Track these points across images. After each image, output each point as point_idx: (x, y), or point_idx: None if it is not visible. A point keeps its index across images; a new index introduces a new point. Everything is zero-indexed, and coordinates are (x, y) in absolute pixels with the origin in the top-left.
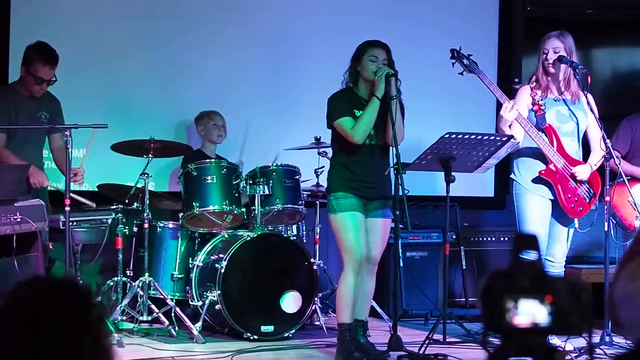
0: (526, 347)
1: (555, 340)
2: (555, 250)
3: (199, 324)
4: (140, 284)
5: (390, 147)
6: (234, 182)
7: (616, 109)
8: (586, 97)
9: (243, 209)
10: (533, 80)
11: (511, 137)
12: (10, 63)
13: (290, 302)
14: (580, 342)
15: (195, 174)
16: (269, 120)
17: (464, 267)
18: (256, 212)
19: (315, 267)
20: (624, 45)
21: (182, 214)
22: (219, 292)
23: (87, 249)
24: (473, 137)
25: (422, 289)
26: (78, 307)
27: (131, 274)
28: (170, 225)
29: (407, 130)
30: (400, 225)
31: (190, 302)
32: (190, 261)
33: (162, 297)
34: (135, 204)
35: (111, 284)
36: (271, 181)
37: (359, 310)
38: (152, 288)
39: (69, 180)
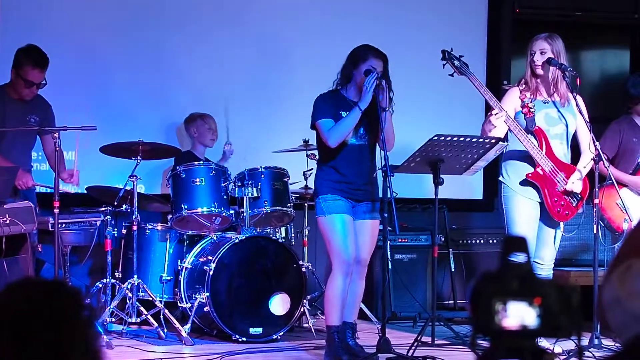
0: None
1: (544, 342)
2: (544, 252)
3: (188, 325)
4: (129, 286)
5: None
6: (223, 185)
7: (604, 112)
8: (575, 99)
9: (232, 211)
10: (522, 82)
11: (500, 139)
12: None
13: (279, 304)
14: (569, 344)
15: (184, 176)
16: (257, 123)
17: (453, 270)
18: (245, 214)
19: (303, 269)
20: (613, 48)
21: (170, 216)
22: (208, 294)
23: (76, 251)
24: (462, 139)
25: (411, 292)
26: (67, 309)
27: (120, 276)
28: (159, 228)
29: (395, 132)
30: (389, 228)
31: (179, 304)
32: (178, 263)
33: (150, 299)
34: (124, 206)
35: (100, 285)
36: (260, 183)
37: (348, 313)
38: (140, 290)
39: (58, 182)
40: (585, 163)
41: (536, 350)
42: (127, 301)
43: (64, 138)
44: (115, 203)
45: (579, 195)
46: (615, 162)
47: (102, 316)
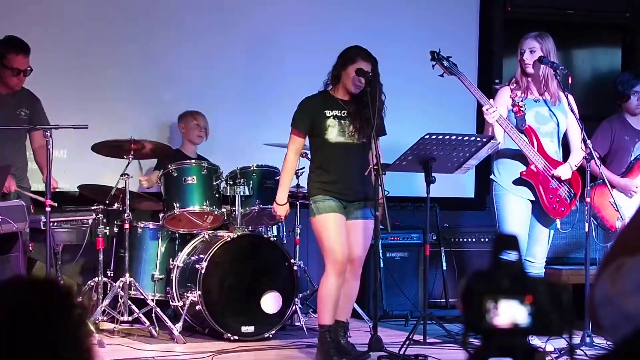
0: (506, 347)
1: (535, 340)
2: (536, 250)
3: (180, 324)
4: (120, 285)
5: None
6: (215, 183)
7: (596, 110)
8: (567, 97)
9: (223, 210)
10: (513, 81)
11: (491, 137)
12: None
13: (271, 302)
14: (561, 342)
15: (176, 174)
16: (249, 121)
17: (444, 268)
18: (236, 212)
19: (295, 267)
20: (604, 46)
21: (162, 214)
22: (200, 292)
23: (67, 250)
24: (453, 137)
25: (403, 290)
26: (59, 308)
27: (112, 275)
28: (151, 226)
29: (387, 130)
30: (380, 226)
31: (171, 303)
32: (170, 262)
33: (142, 297)
34: (116, 204)
35: (92, 284)
36: (251, 182)
37: (340, 312)
38: (132, 288)
39: (49, 181)
40: (576, 161)
41: (528, 349)
42: (119, 299)
43: (54, 136)
44: (107, 201)
45: (573, 192)
46: (607, 161)
47: (94, 314)
